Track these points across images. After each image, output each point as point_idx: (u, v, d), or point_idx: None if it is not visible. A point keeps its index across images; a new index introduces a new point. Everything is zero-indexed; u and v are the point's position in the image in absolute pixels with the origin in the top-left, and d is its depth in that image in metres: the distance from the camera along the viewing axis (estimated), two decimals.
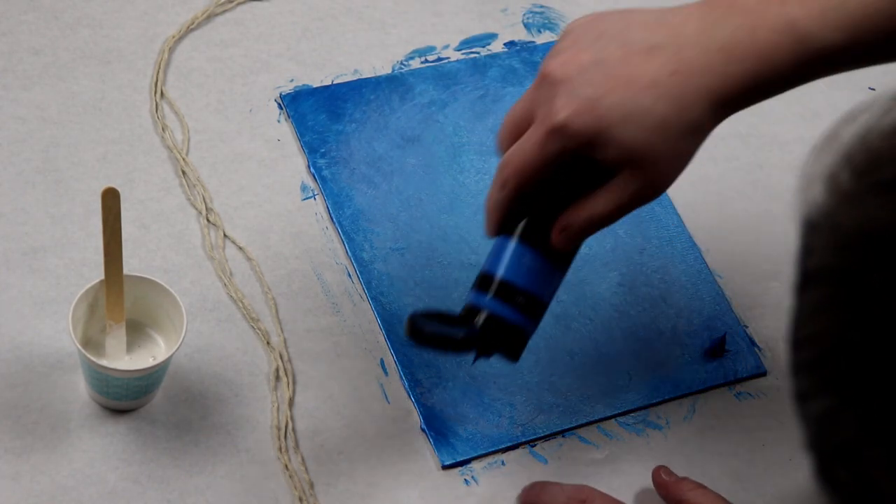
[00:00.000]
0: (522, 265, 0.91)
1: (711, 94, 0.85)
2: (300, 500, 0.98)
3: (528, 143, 0.87)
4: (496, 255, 0.91)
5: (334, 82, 1.18)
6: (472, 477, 1.01)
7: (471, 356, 0.93)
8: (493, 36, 1.24)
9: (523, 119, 0.89)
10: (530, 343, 1.04)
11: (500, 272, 0.91)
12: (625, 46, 0.86)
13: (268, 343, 1.04)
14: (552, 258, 0.91)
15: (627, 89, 0.85)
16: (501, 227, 0.91)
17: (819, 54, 0.85)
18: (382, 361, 1.05)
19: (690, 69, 0.85)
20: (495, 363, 1.04)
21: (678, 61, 0.85)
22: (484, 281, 0.91)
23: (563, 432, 1.04)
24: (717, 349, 1.09)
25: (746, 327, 1.11)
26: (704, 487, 0.98)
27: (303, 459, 1.00)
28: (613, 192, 0.88)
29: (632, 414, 1.06)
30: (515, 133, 0.89)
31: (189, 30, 1.19)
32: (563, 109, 0.86)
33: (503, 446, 1.03)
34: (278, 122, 1.15)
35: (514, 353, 0.93)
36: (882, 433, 0.51)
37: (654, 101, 0.85)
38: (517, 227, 0.91)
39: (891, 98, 0.54)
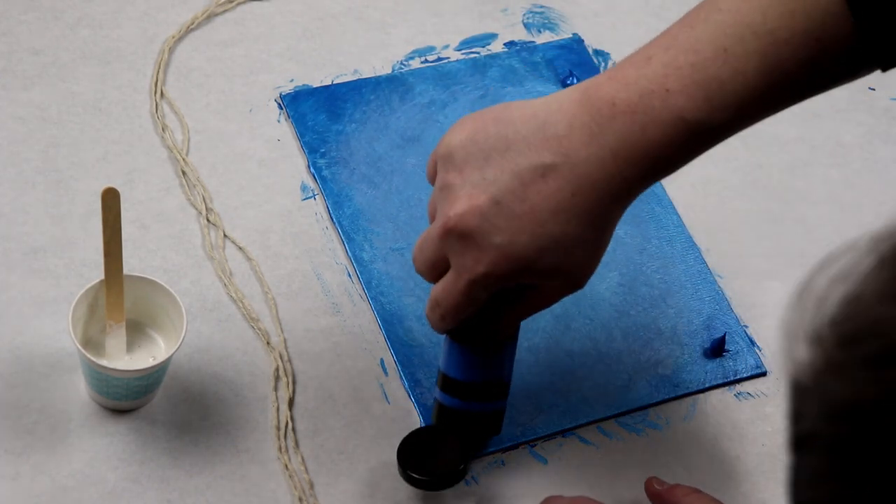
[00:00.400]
0: (482, 363, 0.96)
1: (615, 197, 0.86)
2: (300, 500, 0.98)
3: (455, 290, 0.90)
4: (455, 360, 0.96)
5: (334, 82, 1.18)
6: (472, 477, 1.01)
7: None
8: (493, 36, 1.24)
9: (437, 261, 0.90)
10: (530, 343, 1.05)
11: (465, 376, 0.96)
12: (517, 177, 0.86)
13: (268, 343, 1.04)
14: (505, 343, 0.96)
15: (535, 225, 0.86)
16: (449, 334, 0.96)
17: (711, 134, 0.85)
18: (382, 361, 1.05)
19: (590, 185, 0.85)
20: None
21: (575, 180, 0.85)
22: (450, 385, 0.97)
23: (563, 432, 1.04)
24: (717, 349, 1.09)
25: (746, 327, 1.11)
26: (699, 491, 0.98)
27: (303, 459, 1.00)
28: (543, 296, 0.92)
29: (632, 414, 1.06)
30: (434, 272, 0.91)
31: (189, 30, 1.19)
32: (480, 262, 0.87)
33: (503, 446, 1.03)
34: (278, 122, 1.15)
35: (498, 430, 1.00)
36: None
37: (563, 226, 0.86)
38: (464, 333, 0.95)
39: (865, 244, 0.53)
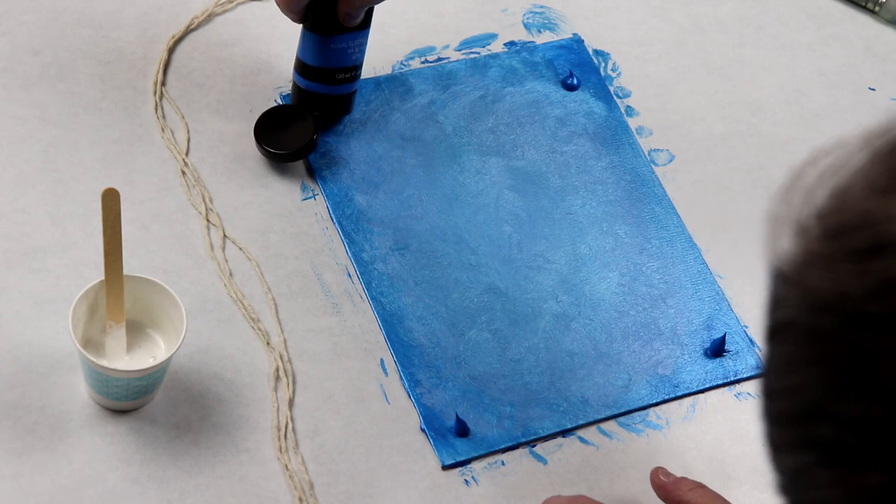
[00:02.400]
0: (333, 51, 1.10)
1: None
2: (300, 500, 0.98)
3: None
4: (309, 48, 1.10)
5: None
6: (472, 477, 1.01)
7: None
8: (493, 36, 1.24)
9: None
10: (530, 343, 1.05)
11: (319, 62, 1.10)
12: None
13: (268, 343, 1.04)
14: (353, 32, 1.09)
15: None
16: (302, 21, 1.09)
17: None
18: (382, 361, 1.05)
19: None
20: (493, 364, 1.05)
21: None
22: (307, 70, 1.11)
23: (563, 432, 1.04)
24: (717, 349, 1.09)
25: (746, 327, 1.11)
26: (703, 486, 0.98)
27: (303, 459, 1.00)
28: None
29: (632, 414, 1.06)
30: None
31: (189, 30, 1.19)
32: None
33: (503, 446, 1.03)
34: None
35: (348, 110, 1.15)
36: (859, 495, 0.50)
37: None
38: (315, 22, 1.09)
39: (858, 140, 0.53)
